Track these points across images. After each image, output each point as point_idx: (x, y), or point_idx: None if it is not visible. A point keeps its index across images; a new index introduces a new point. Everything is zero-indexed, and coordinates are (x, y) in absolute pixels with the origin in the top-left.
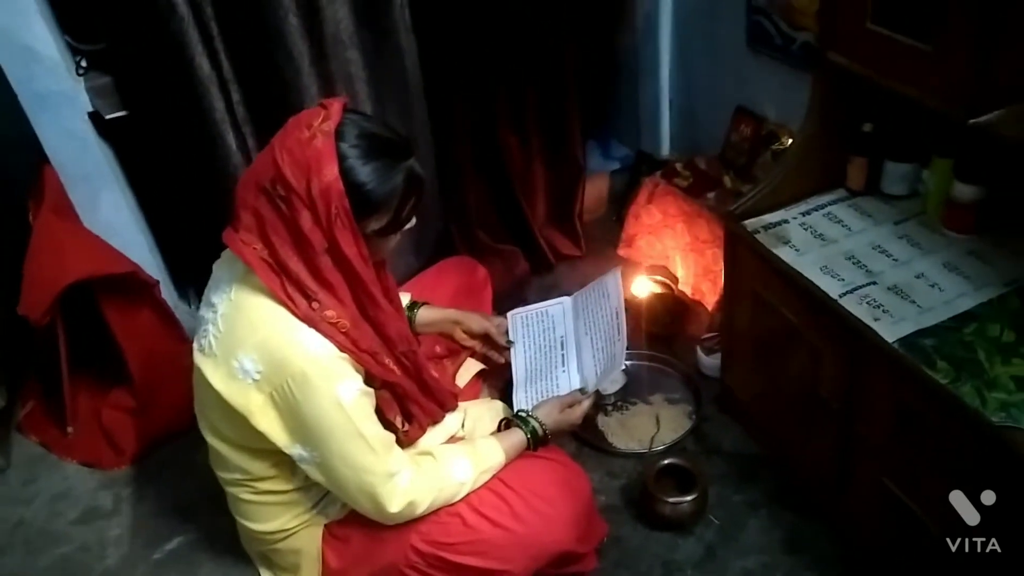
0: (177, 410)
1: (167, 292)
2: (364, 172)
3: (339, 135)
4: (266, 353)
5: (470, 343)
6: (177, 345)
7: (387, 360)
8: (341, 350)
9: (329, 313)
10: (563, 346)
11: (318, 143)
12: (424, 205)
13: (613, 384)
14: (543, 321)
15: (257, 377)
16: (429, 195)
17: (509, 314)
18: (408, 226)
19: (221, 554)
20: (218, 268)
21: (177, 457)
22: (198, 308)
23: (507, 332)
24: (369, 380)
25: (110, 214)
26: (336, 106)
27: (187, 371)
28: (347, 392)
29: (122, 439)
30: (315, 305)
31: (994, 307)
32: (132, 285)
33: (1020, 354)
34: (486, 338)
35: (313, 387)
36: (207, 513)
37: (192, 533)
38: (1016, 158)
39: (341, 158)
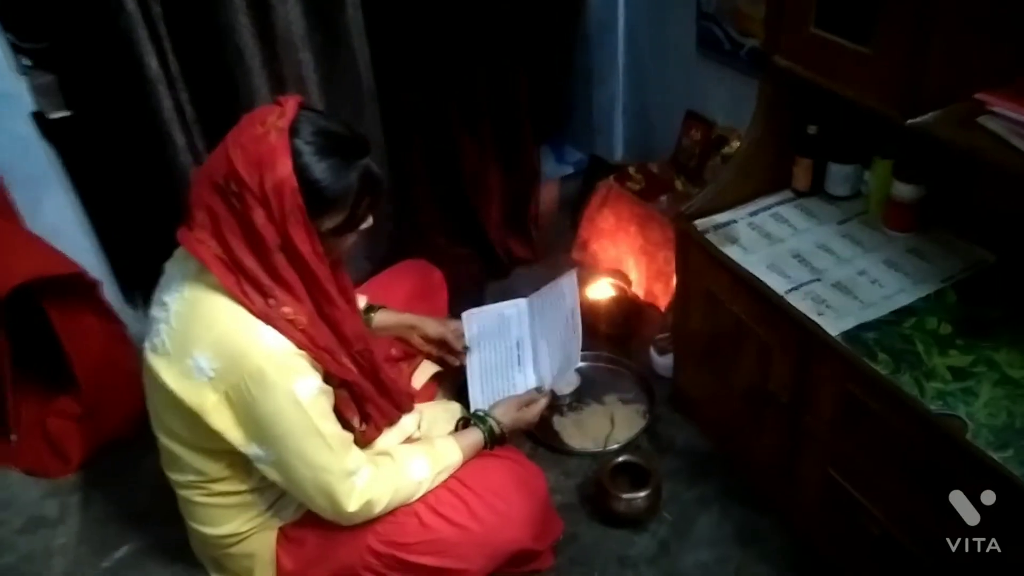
0: (124, 415)
1: (114, 296)
2: (319, 169)
3: (294, 132)
4: (222, 350)
5: (426, 348)
6: (123, 349)
7: (344, 359)
8: (299, 347)
9: (286, 310)
10: (519, 347)
11: (272, 139)
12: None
13: (568, 385)
14: (498, 322)
15: (212, 375)
16: (382, 198)
17: (464, 314)
18: (365, 225)
19: (172, 561)
20: (170, 267)
21: (125, 464)
22: (145, 312)
23: (463, 336)
24: (328, 379)
25: (54, 216)
26: (291, 103)
27: (134, 375)
28: (304, 389)
29: (68, 446)
30: (271, 302)
31: (932, 302)
32: (77, 287)
33: (956, 346)
34: (442, 343)
35: (270, 384)
36: (157, 520)
37: (141, 540)
38: (952, 158)
39: (296, 155)
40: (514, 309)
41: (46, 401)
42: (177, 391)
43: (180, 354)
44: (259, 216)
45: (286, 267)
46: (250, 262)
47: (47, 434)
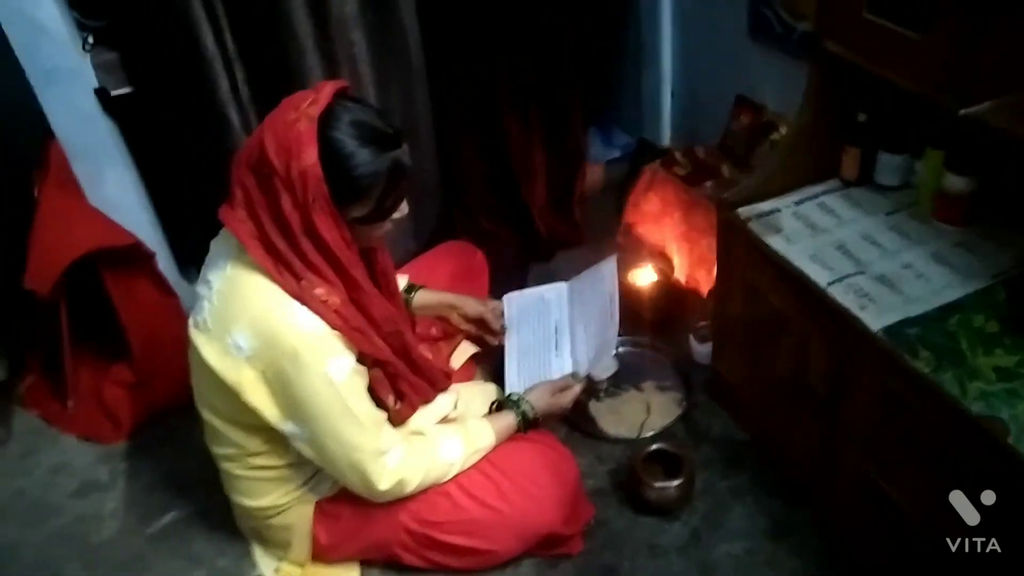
0: (176, 385)
1: (169, 270)
2: (347, 159)
3: (328, 120)
4: (258, 329)
5: (466, 326)
6: (177, 320)
7: (376, 339)
8: (332, 327)
9: (319, 291)
10: (557, 331)
11: (301, 127)
12: (424, 189)
13: (605, 371)
14: (538, 306)
15: (250, 353)
16: (430, 179)
17: (505, 297)
18: (398, 215)
19: (215, 530)
20: (215, 245)
21: (174, 433)
22: None
23: (502, 315)
24: (362, 359)
25: (114, 190)
26: (327, 90)
27: (186, 346)
28: (338, 369)
29: (121, 413)
30: (304, 283)
31: (979, 298)
32: (134, 258)
33: (1003, 345)
34: (481, 322)
35: (304, 364)
36: (202, 489)
37: (187, 508)
38: (1006, 150)
39: (327, 143)
40: (554, 293)
41: (102, 368)
42: (217, 368)
43: (220, 332)
44: (286, 201)
45: (312, 251)
46: (281, 244)
47: (102, 401)
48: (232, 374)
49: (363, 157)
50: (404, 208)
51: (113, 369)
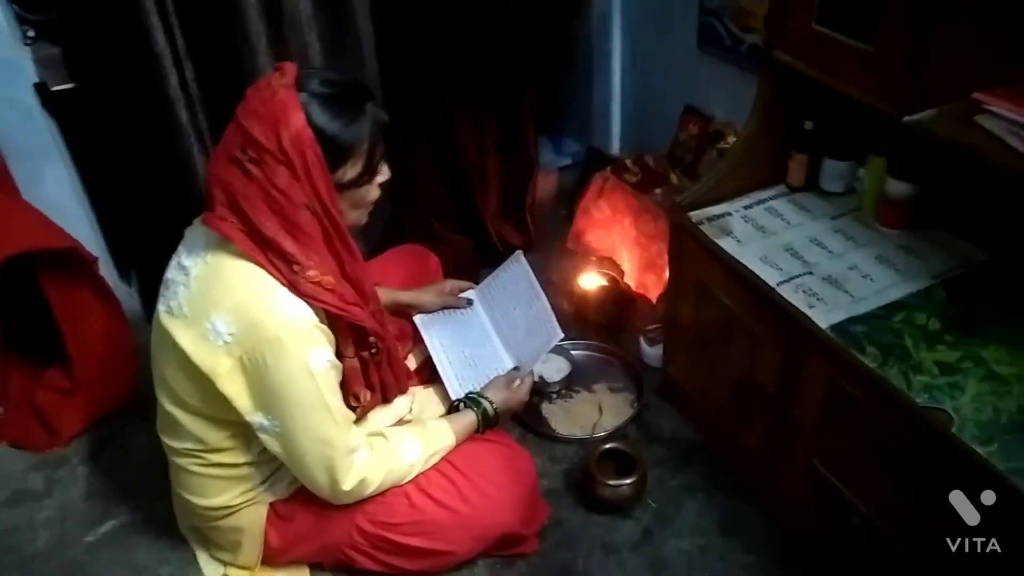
0: (114, 391)
1: (108, 272)
2: (330, 116)
3: (300, 86)
4: (241, 316)
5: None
6: (118, 326)
7: (373, 313)
8: (328, 308)
9: (311, 273)
10: (484, 336)
11: (280, 96)
12: None
13: (558, 372)
14: (457, 319)
15: (229, 340)
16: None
17: (417, 318)
18: (382, 178)
19: (157, 537)
20: (192, 233)
21: (113, 439)
22: (139, 289)
23: (459, 293)
24: (339, 353)
25: (52, 189)
26: (289, 64)
27: (128, 352)
28: (318, 361)
29: (56, 420)
30: (296, 267)
31: (922, 297)
32: (72, 262)
33: (944, 341)
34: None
35: (286, 352)
36: (143, 496)
37: (127, 516)
38: (946, 156)
39: (306, 106)
40: (466, 305)
41: (35, 373)
42: (192, 354)
43: (198, 317)
44: (281, 176)
45: (310, 224)
46: (271, 230)
47: (35, 407)
48: (208, 360)
49: (345, 112)
50: (387, 171)
51: (47, 375)
